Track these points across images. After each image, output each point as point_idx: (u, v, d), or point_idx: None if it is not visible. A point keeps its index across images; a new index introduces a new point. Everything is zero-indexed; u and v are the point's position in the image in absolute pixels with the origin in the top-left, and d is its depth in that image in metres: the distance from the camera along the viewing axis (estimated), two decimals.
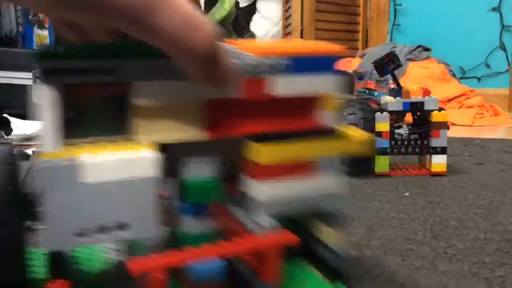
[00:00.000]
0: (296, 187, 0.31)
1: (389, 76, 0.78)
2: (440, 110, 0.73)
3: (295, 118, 0.31)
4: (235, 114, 0.30)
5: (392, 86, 0.79)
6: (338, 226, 0.33)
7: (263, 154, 0.29)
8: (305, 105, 0.31)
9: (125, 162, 0.26)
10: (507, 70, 1.86)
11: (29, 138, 1.17)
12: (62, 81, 0.26)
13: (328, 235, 0.34)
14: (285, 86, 0.30)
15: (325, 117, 0.31)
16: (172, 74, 0.27)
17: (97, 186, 0.25)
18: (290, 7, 1.83)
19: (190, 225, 0.31)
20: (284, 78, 0.29)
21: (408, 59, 1.59)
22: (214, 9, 1.68)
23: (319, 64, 0.30)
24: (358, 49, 1.97)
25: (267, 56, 0.29)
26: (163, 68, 0.27)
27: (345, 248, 0.34)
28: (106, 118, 0.28)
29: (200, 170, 0.30)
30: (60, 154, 0.25)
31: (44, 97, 0.26)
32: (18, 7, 1.78)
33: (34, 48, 1.81)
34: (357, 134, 0.32)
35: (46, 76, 0.25)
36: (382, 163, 0.73)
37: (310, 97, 0.31)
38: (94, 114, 0.28)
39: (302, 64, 0.30)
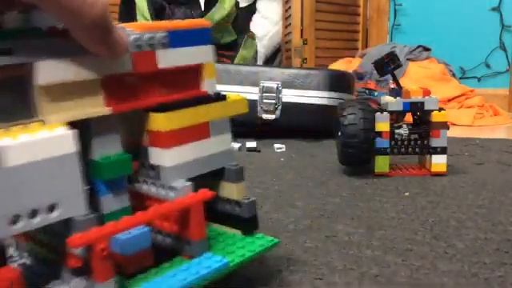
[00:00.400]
0: (196, 149, 0.34)
1: (389, 76, 0.78)
2: (440, 110, 0.73)
3: (183, 88, 0.34)
4: (132, 89, 0.31)
5: (392, 86, 0.79)
6: (236, 179, 0.36)
7: (163, 122, 0.32)
8: (189, 75, 0.34)
9: (44, 141, 0.26)
10: (507, 70, 1.86)
11: None
12: None
13: (229, 190, 0.36)
14: (168, 59, 0.33)
15: (207, 84, 0.35)
16: (70, 52, 0.27)
17: (20, 169, 0.25)
18: (289, 7, 1.83)
19: (109, 203, 0.31)
20: (166, 51, 0.32)
21: (408, 59, 1.59)
22: (214, 9, 1.68)
23: (194, 36, 0.34)
24: (357, 49, 1.97)
25: (147, 31, 0.31)
26: (61, 46, 0.27)
27: (248, 198, 0.37)
28: (4, 103, 0.27)
29: (108, 146, 0.31)
30: None
31: None
32: None
33: None
34: (233, 96, 0.37)
35: None
36: (381, 163, 0.73)
37: (192, 67, 0.34)
38: None
39: (179, 37, 0.33)
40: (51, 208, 0.26)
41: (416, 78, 1.52)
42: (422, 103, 0.72)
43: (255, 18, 2.00)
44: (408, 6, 2.03)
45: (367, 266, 0.42)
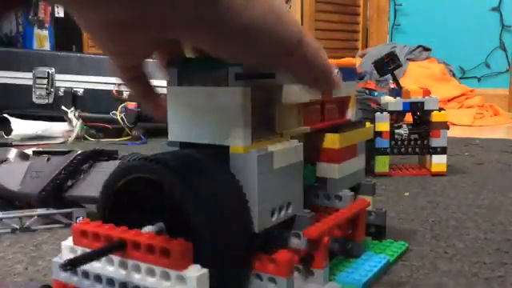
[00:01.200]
0: (350, 165, 0.40)
1: (389, 76, 0.78)
2: (440, 109, 0.73)
3: (338, 115, 0.41)
4: (315, 113, 0.38)
5: (392, 86, 0.79)
6: (372, 193, 0.42)
7: (337, 140, 0.38)
8: (343, 104, 0.42)
9: (291, 150, 0.32)
10: (507, 70, 1.86)
11: (29, 138, 1.17)
12: (252, 83, 0.30)
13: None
14: (338, 90, 0.37)
15: (351, 112, 0.42)
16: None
17: (278, 170, 0.31)
18: (289, 7, 1.83)
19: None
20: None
21: (408, 59, 1.60)
22: None
23: (350, 73, 0.41)
24: (357, 49, 1.97)
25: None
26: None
27: (380, 209, 0.42)
28: (258, 116, 0.31)
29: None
30: (254, 146, 0.30)
31: (239, 97, 0.29)
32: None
33: (34, 48, 1.80)
34: (367, 124, 0.44)
35: (240, 79, 0.29)
36: (381, 163, 0.73)
37: (346, 97, 0.41)
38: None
39: (344, 73, 0.38)
40: (288, 205, 0.32)
41: (416, 77, 1.52)
42: (422, 103, 0.72)
43: None
44: (408, 6, 2.03)
45: None
